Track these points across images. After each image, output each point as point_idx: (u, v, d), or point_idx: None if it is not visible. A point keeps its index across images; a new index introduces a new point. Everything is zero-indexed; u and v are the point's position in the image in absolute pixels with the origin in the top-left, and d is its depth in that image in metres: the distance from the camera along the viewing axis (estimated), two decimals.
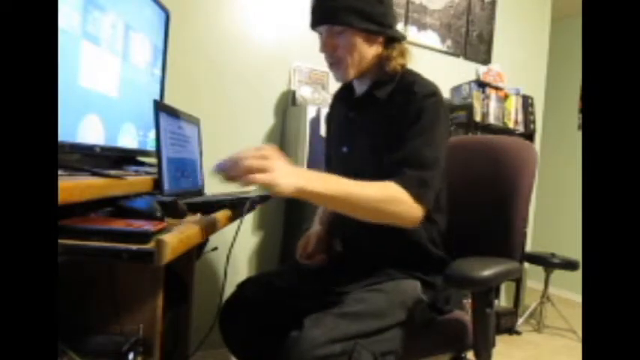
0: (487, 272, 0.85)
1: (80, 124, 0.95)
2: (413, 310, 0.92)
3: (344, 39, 0.99)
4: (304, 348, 0.78)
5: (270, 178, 0.74)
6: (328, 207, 0.83)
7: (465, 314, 1.09)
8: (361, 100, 1.08)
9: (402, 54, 1.03)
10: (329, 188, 0.81)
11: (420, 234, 1.01)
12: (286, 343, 0.82)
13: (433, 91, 0.97)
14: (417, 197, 0.88)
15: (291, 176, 0.76)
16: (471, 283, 0.87)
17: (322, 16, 1.00)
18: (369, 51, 1.02)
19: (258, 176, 0.73)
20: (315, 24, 1.02)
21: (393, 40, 1.04)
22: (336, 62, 1.02)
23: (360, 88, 1.09)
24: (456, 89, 2.46)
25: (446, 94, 2.39)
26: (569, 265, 2.57)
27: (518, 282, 2.61)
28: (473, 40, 2.59)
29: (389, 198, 0.86)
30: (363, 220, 0.88)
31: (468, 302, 1.64)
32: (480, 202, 1.14)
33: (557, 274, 2.75)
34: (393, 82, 1.02)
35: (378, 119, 1.01)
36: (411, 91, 0.96)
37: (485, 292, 0.93)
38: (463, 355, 1.09)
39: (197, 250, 1.36)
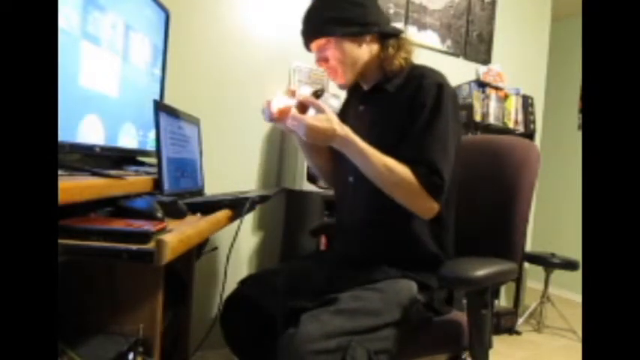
0: (480, 272, 0.84)
1: (80, 124, 0.95)
2: (408, 310, 0.92)
3: (331, 49, 1.04)
4: (299, 342, 0.78)
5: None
6: (357, 160, 0.94)
7: (463, 315, 1.08)
8: (370, 93, 1.10)
9: (401, 48, 1.05)
10: (366, 146, 0.93)
11: (423, 232, 1.01)
12: (282, 338, 0.82)
13: (439, 82, 0.98)
14: (431, 192, 0.93)
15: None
16: (463, 282, 0.86)
17: (306, 34, 1.07)
18: (361, 52, 1.04)
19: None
20: (306, 45, 1.10)
21: (387, 36, 1.05)
22: (332, 73, 1.08)
23: (367, 85, 1.11)
24: (456, 89, 2.46)
25: None
26: (569, 265, 2.57)
27: (518, 282, 2.61)
28: (473, 40, 2.59)
29: (407, 184, 0.92)
30: (381, 188, 0.95)
31: None
32: (480, 202, 1.14)
33: (557, 274, 2.75)
34: (402, 76, 1.04)
35: (387, 111, 1.03)
36: (419, 84, 0.98)
37: (480, 292, 0.91)
38: (464, 356, 1.09)
39: (197, 250, 1.36)
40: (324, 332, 0.80)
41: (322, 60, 1.07)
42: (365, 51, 1.05)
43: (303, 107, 0.97)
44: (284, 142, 1.99)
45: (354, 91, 1.18)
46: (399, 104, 1.00)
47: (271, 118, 0.98)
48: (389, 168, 0.92)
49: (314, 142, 0.94)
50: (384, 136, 0.99)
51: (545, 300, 2.68)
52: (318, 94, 1.04)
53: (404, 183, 0.92)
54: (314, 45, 1.07)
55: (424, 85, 0.97)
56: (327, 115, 0.91)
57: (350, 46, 1.03)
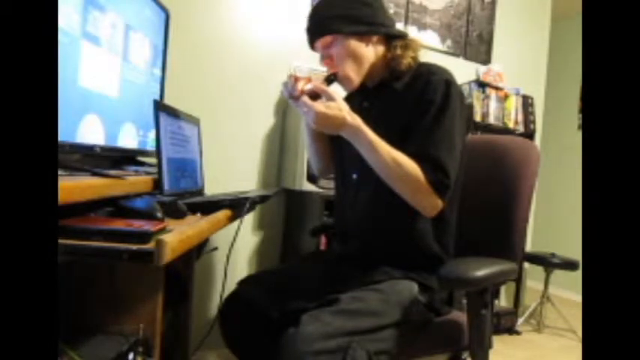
0: (480, 273, 0.84)
1: (80, 124, 0.95)
2: (409, 311, 0.92)
3: (337, 47, 1.02)
4: (299, 343, 0.78)
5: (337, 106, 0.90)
6: (364, 151, 0.93)
7: (462, 315, 1.08)
8: (376, 89, 1.08)
9: (409, 48, 1.04)
10: (375, 137, 0.92)
11: (426, 231, 1.01)
12: (283, 338, 0.82)
13: (447, 79, 0.98)
14: (437, 189, 0.92)
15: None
16: (463, 283, 0.86)
17: (312, 32, 1.06)
18: (367, 51, 1.03)
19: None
20: (311, 43, 1.08)
21: (393, 37, 1.04)
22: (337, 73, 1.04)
23: (372, 82, 1.10)
24: None
25: None
26: (569, 265, 2.57)
27: (518, 282, 2.61)
28: (473, 40, 2.59)
29: (413, 179, 0.92)
30: (386, 181, 0.94)
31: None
32: (480, 202, 1.14)
33: (557, 274, 2.75)
34: (409, 74, 1.03)
35: (394, 108, 1.02)
36: (427, 80, 0.98)
37: (480, 292, 0.91)
38: (464, 357, 1.09)
39: (197, 250, 1.36)
40: (325, 332, 0.80)
41: (327, 58, 1.05)
42: (371, 51, 1.04)
43: (315, 94, 0.96)
44: (284, 142, 1.99)
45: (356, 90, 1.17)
46: (406, 101, 1.00)
47: (291, 96, 0.96)
48: (397, 161, 0.91)
49: (323, 129, 0.93)
50: (390, 132, 0.98)
51: (545, 300, 2.68)
52: (330, 79, 1.03)
53: (410, 177, 0.91)
54: (319, 43, 1.05)
55: (432, 82, 0.97)
56: (338, 104, 0.90)
57: (356, 45, 1.02)
